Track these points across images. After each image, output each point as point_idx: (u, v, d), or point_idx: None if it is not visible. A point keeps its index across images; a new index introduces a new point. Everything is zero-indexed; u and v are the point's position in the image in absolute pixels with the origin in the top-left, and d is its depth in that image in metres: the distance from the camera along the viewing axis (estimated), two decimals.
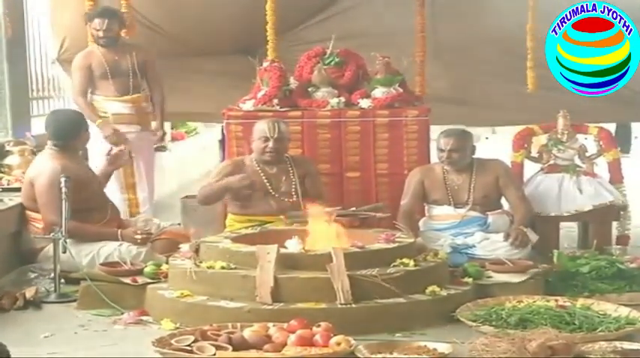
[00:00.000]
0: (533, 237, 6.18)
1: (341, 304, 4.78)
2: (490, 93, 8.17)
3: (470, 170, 6.31)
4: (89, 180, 6.16)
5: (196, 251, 5.32)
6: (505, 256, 5.83)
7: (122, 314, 5.09)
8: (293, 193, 6.19)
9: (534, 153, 6.94)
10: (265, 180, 6.19)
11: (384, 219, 5.98)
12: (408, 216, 6.20)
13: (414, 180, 6.34)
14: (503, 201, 6.45)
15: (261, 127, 6.21)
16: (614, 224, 6.73)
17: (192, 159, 10.98)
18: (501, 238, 6.04)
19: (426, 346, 4.36)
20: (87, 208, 6.00)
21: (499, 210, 6.32)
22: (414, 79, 7.72)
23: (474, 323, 4.72)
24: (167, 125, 10.29)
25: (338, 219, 5.81)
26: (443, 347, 4.34)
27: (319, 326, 4.42)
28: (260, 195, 6.16)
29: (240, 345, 4.29)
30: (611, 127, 8.10)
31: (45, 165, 5.96)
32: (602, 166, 6.92)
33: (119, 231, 6.03)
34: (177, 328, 4.74)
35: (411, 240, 5.41)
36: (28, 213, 6.08)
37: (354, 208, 6.01)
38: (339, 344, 4.29)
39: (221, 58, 8.61)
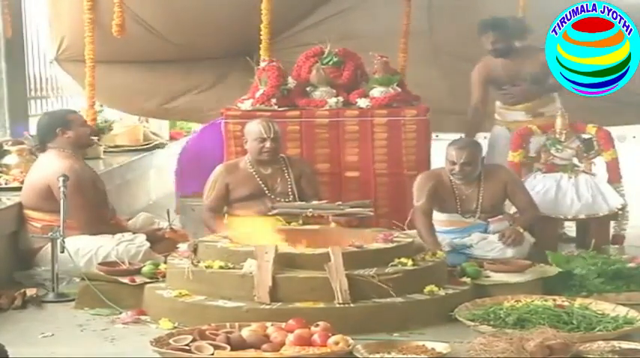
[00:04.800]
0: (530, 239, 6.18)
1: (339, 304, 4.78)
2: None
3: (478, 179, 6.22)
4: (96, 179, 6.29)
5: (194, 250, 5.31)
6: (498, 255, 5.84)
7: (120, 313, 5.09)
8: (289, 193, 6.20)
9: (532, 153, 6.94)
10: (260, 182, 6.20)
11: (368, 218, 5.93)
12: (427, 215, 6.07)
13: (429, 184, 6.17)
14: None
15: (256, 129, 6.20)
16: (612, 223, 6.74)
17: None
18: (497, 238, 6.04)
19: (424, 345, 4.36)
20: (97, 204, 6.12)
21: (500, 216, 6.28)
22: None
23: (472, 323, 4.72)
24: (165, 124, 10.31)
25: (336, 219, 5.85)
26: (441, 347, 4.34)
27: (317, 325, 4.42)
28: (256, 196, 6.16)
29: (239, 345, 4.29)
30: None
31: (61, 167, 5.93)
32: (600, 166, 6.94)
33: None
34: (176, 328, 4.74)
35: (410, 240, 5.39)
36: (28, 212, 6.06)
37: (339, 202, 5.99)
38: (337, 343, 4.29)
39: (218, 60, 8.62)
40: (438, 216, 6.30)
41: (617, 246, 6.59)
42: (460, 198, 6.22)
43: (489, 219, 6.22)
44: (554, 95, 7.24)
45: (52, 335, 4.84)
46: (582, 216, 6.63)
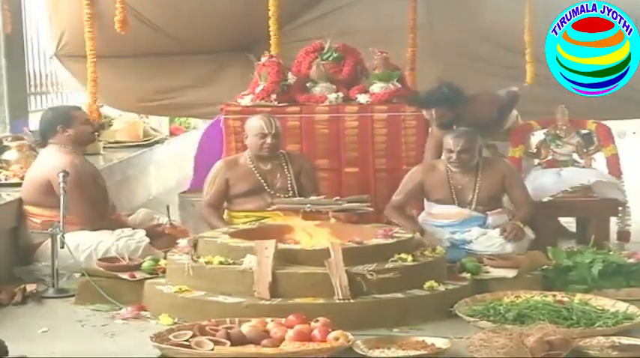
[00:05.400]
0: (530, 234, 6.18)
1: (339, 299, 4.78)
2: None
3: (475, 170, 6.22)
4: (96, 174, 6.28)
5: (194, 246, 5.32)
6: (498, 251, 5.85)
7: (120, 309, 5.09)
8: (288, 189, 6.20)
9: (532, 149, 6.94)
10: (260, 177, 6.20)
11: (368, 213, 5.93)
12: (398, 212, 6.16)
13: (415, 180, 6.24)
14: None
15: (257, 124, 6.20)
16: (614, 220, 6.73)
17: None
18: (498, 233, 6.05)
19: (424, 341, 4.36)
20: (98, 199, 6.12)
21: (499, 209, 6.28)
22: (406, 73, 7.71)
23: (472, 319, 4.72)
24: (164, 120, 10.31)
25: (336, 214, 5.85)
26: (441, 343, 4.34)
27: (317, 321, 4.42)
28: (256, 191, 6.17)
29: (239, 340, 4.29)
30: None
31: (61, 162, 5.93)
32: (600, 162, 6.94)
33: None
34: (176, 323, 4.74)
35: (410, 235, 5.40)
36: (28, 208, 6.06)
37: (337, 197, 5.99)
38: (337, 339, 4.29)
39: (218, 55, 8.61)
40: (432, 209, 6.30)
41: (622, 242, 6.58)
42: (455, 188, 6.22)
43: (488, 212, 6.22)
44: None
45: (52, 330, 4.84)
46: (585, 183, 6.54)
